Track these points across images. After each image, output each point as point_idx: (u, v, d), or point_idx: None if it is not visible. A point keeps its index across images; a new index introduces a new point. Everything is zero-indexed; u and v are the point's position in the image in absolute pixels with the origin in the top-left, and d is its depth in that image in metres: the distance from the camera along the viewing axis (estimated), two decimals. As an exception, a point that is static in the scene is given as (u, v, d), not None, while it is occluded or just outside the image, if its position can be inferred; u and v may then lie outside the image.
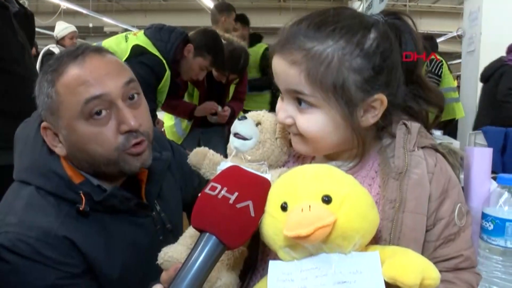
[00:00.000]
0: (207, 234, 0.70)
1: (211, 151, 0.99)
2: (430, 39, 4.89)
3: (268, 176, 0.85)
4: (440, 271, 0.70)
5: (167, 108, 3.14)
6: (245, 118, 0.93)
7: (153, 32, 2.38)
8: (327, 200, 0.68)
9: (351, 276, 0.67)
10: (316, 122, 0.81)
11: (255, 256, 0.89)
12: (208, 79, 3.15)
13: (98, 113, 0.95)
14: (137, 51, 2.25)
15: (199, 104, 3.16)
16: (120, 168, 1.00)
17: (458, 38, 5.70)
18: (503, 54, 4.24)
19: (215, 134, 3.36)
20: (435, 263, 0.73)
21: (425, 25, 10.07)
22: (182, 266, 0.70)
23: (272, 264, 0.73)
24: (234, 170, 0.78)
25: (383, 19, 0.86)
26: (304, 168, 0.77)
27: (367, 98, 0.80)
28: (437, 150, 0.87)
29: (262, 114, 0.95)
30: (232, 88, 3.32)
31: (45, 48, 4.71)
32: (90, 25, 11.36)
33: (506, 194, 0.89)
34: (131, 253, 1.03)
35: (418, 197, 0.81)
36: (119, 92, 0.97)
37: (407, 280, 0.65)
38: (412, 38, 0.88)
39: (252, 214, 0.71)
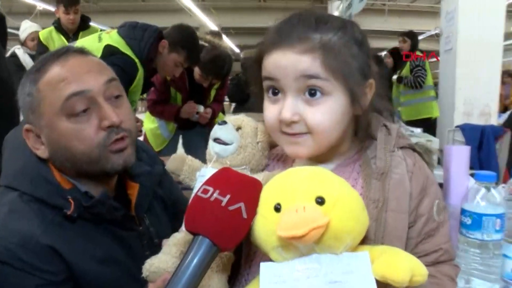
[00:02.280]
0: (201, 236, 0.71)
1: (190, 157, 0.98)
2: (412, 37, 5.06)
3: None
4: None
5: (155, 114, 3.17)
6: (225, 123, 0.93)
7: (127, 31, 2.35)
8: (320, 201, 0.70)
9: (343, 276, 0.69)
10: (329, 111, 0.82)
11: (238, 261, 0.90)
12: (190, 82, 3.17)
13: (80, 109, 0.94)
14: (109, 51, 2.22)
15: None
16: (102, 166, 0.98)
17: (436, 37, 5.79)
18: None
19: (196, 135, 3.38)
20: (417, 257, 0.76)
21: (403, 24, 10.17)
22: (176, 270, 0.70)
23: (263, 266, 0.73)
24: (225, 173, 0.78)
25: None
26: (296, 170, 0.78)
27: (364, 83, 0.85)
28: (414, 150, 0.91)
29: (242, 119, 0.95)
30: (213, 91, 3.34)
31: (10, 50, 4.39)
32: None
33: (483, 190, 0.93)
34: (113, 266, 1.00)
35: (399, 196, 0.84)
36: (101, 89, 0.97)
37: (397, 277, 0.67)
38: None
39: (245, 216, 0.72)
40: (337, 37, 0.82)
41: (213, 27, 12.46)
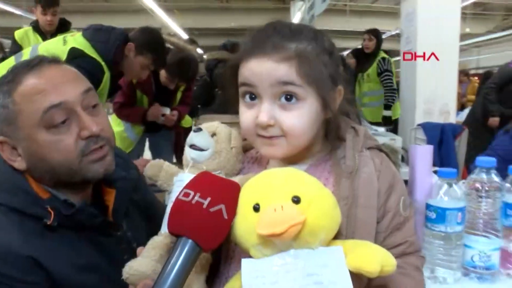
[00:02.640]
0: (184, 238, 0.73)
1: (166, 163, 1.00)
2: (377, 35, 4.88)
3: None
4: None
5: (122, 117, 3.16)
6: (201, 129, 0.95)
7: (92, 34, 2.29)
8: (296, 200, 0.74)
9: (319, 269, 0.73)
10: (302, 116, 0.86)
11: (217, 261, 0.93)
12: (156, 85, 3.17)
13: (59, 121, 0.94)
14: (74, 54, 2.16)
15: None
16: (83, 175, 0.98)
17: (397, 37, 5.96)
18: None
19: (162, 138, 3.39)
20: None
21: (365, 24, 10.35)
22: (161, 272, 0.72)
23: (244, 262, 0.76)
24: (205, 176, 0.81)
25: None
26: (273, 172, 0.82)
27: (334, 89, 0.90)
28: (381, 150, 0.97)
29: (216, 125, 0.97)
30: (179, 94, 3.35)
31: None
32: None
33: (445, 186, 1.00)
34: (94, 272, 1.00)
35: (368, 193, 0.89)
36: (78, 100, 0.97)
37: (369, 268, 0.72)
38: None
39: (225, 216, 0.75)
40: (310, 46, 0.87)
41: (176, 28, 12.37)
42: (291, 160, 0.94)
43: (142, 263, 0.86)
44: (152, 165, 0.99)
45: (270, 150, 0.90)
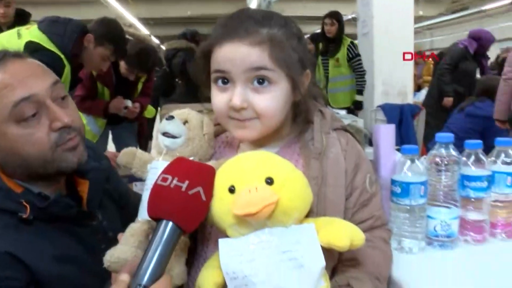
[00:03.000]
0: (164, 221, 0.76)
1: (139, 150, 1.01)
2: (339, 20, 4.72)
3: None
4: None
5: (83, 111, 3.10)
6: (173, 117, 0.96)
7: (48, 26, 2.23)
8: (270, 182, 0.78)
9: (293, 246, 0.77)
10: (275, 98, 0.90)
11: (194, 245, 0.96)
12: (116, 77, 3.14)
13: (29, 114, 0.93)
14: (31, 48, 2.10)
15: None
16: (57, 166, 0.98)
17: (353, 21, 6.06)
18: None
19: (125, 130, 3.36)
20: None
21: (322, 9, 10.42)
22: (144, 255, 0.74)
23: (221, 242, 0.80)
24: (181, 162, 0.84)
25: None
26: (246, 155, 0.86)
27: (303, 72, 0.93)
28: (346, 131, 1.02)
29: (188, 112, 0.99)
30: (140, 85, 3.32)
31: None
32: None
33: (408, 162, 1.05)
34: (72, 263, 1.00)
35: (336, 173, 0.94)
36: (47, 92, 0.96)
37: (340, 243, 0.77)
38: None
39: (204, 198, 0.78)
40: (281, 31, 0.90)
41: (131, 18, 12.13)
42: (261, 143, 0.98)
43: (123, 250, 0.88)
44: (125, 153, 1.00)
45: (243, 133, 0.94)
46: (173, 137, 0.96)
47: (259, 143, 0.98)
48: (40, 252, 0.95)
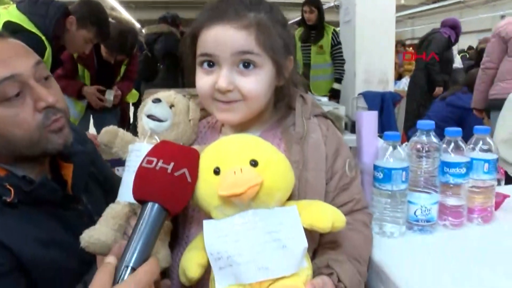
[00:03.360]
0: (150, 203, 0.76)
1: (121, 130, 1.00)
2: (318, 7, 4.56)
3: None
4: None
5: (61, 88, 3.07)
6: (160, 101, 0.96)
7: (28, 6, 2.15)
8: (254, 164, 0.79)
9: (277, 227, 0.78)
10: (260, 81, 0.91)
11: (175, 228, 0.97)
12: (98, 60, 3.10)
13: (12, 94, 0.92)
14: (10, 28, 2.03)
15: (91, 85, 3.12)
16: (43, 147, 0.97)
17: (336, 9, 6.07)
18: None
19: (107, 114, 3.33)
20: None
21: (304, -4, 10.45)
22: (131, 237, 0.74)
23: (206, 223, 0.81)
24: (165, 144, 0.84)
25: None
26: (230, 138, 0.87)
27: (287, 58, 0.95)
28: (326, 117, 1.04)
29: (174, 96, 0.99)
30: (123, 68, 3.29)
31: None
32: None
33: (390, 149, 1.08)
34: (58, 247, 0.99)
35: (317, 157, 0.96)
36: (30, 72, 0.95)
37: (322, 225, 0.79)
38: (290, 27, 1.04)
39: (189, 179, 0.79)
40: (267, 16, 0.91)
41: (112, 1, 11.92)
42: (243, 127, 1.00)
43: (102, 232, 0.88)
44: (107, 131, 0.99)
45: (227, 116, 0.95)
46: (159, 120, 0.95)
47: (241, 127, 1.00)
48: (24, 236, 0.94)
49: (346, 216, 0.87)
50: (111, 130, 0.99)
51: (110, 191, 1.19)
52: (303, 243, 0.78)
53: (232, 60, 0.90)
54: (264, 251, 0.76)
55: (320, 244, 0.94)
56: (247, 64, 0.90)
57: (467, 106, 3.49)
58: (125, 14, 13.50)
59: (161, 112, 0.96)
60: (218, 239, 0.78)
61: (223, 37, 0.89)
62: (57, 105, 0.98)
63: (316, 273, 0.83)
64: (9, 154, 0.97)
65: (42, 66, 0.99)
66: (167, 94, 0.99)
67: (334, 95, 4.41)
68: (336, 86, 4.44)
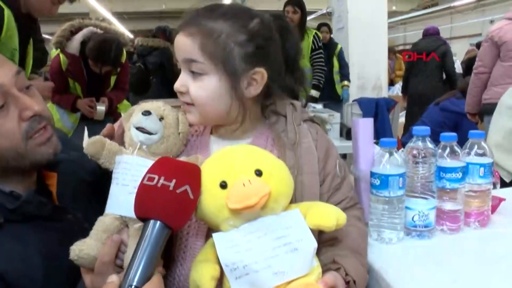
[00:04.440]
0: (152, 220, 0.76)
1: (108, 140, 0.98)
2: (301, 7, 4.36)
3: None
4: None
5: (54, 102, 3.09)
6: (150, 113, 0.96)
7: None
8: (259, 173, 0.81)
9: (285, 231, 0.80)
10: (205, 88, 0.93)
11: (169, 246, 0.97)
12: (87, 72, 3.10)
13: None
14: None
15: (83, 97, 3.13)
16: (31, 159, 0.96)
17: (328, 16, 6.11)
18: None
19: (101, 126, 3.32)
20: None
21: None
22: (134, 255, 0.74)
23: (216, 236, 0.81)
24: (165, 161, 0.84)
25: (270, 17, 1.02)
26: (230, 150, 0.88)
27: (249, 69, 0.94)
28: (314, 121, 1.07)
29: (163, 108, 0.99)
30: (113, 79, 3.28)
31: None
32: None
33: (387, 155, 1.08)
34: (52, 261, 0.97)
35: (310, 161, 0.99)
36: (12, 82, 0.94)
37: (328, 224, 0.82)
38: (293, 36, 1.08)
39: (191, 196, 0.79)
40: (225, 25, 0.92)
41: (105, 12, 11.93)
42: (232, 136, 1.03)
43: (93, 246, 0.88)
44: (93, 142, 0.96)
45: (188, 116, 1.00)
46: (149, 133, 0.95)
47: (229, 134, 1.03)
48: (12, 257, 0.91)
49: None
50: (97, 141, 0.96)
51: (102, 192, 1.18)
52: (313, 243, 0.80)
53: (184, 66, 0.95)
54: (277, 256, 0.77)
55: (321, 241, 0.96)
56: (193, 71, 0.93)
57: (461, 111, 3.52)
58: (118, 25, 13.53)
59: (152, 125, 0.95)
60: (231, 250, 0.79)
61: (176, 44, 0.94)
62: (43, 113, 0.97)
63: (323, 269, 0.85)
64: None
65: (22, 75, 0.98)
66: (156, 106, 0.99)
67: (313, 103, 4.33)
68: (313, 93, 4.22)
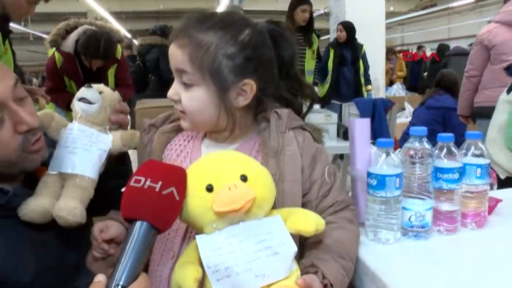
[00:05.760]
0: (139, 221, 0.78)
1: (57, 114, 1.11)
2: (311, 9, 4.51)
3: (110, 136, 1.07)
4: (324, 218, 0.91)
5: (53, 101, 3.09)
6: (91, 86, 1.08)
7: None
8: (244, 179, 0.84)
9: (267, 235, 0.83)
10: (195, 98, 0.95)
11: None
12: (83, 70, 3.10)
13: None
14: None
15: None
16: (21, 167, 0.99)
17: (325, 16, 6.12)
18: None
19: None
20: (319, 214, 0.94)
21: (294, 4, 10.49)
22: (121, 256, 0.75)
23: (199, 238, 0.84)
24: (152, 163, 0.87)
25: (264, 25, 1.03)
26: (217, 155, 0.92)
27: (238, 81, 0.95)
28: (304, 129, 1.07)
29: (103, 86, 1.12)
30: (110, 76, 3.28)
31: None
32: None
33: (384, 155, 1.08)
34: (43, 253, 1.00)
35: (293, 169, 1.00)
36: (9, 94, 0.95)
37: (307, 229, 0.86)
38: (288, 43, 1.07)
39: (177, 198, 0.81)
40: (215, 37, 0.93)
41: (103, 12, 11.93)
42: (221, 141, 1.06)
43: (38, 201, 0.98)
44: (44, 114, 1.07)
45: (182, 123, 1.03)
46: (90, 102, 1.07)
47: (220, 138, 1.05)
48: (5, 254, 0.93)
49: (330, 216, 0.99)
50: (48, 113, 1.08)
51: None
52: (293, 247, 0.83)
53: (176, 75, 0.97)
54: (258, 259, 0.80)
55: (306, 245, 0.98)
56: (184, 82, 0.95)
57: (447, 106, 3.60)
58: (116, 25, 13.51)
59: (92, 95, 1.07)
60: (213, 252, 0.81)
61: (169, 54, 0.96)
62: (37, 125, 0.99)
63: (303, 272, 0.87)
64: None
65: (19, 85, 0.99)
66: (97, 84, 1.12)
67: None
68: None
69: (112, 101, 1.10)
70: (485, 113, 2.37)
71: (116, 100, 1.12)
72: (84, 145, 1.05)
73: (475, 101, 3.28)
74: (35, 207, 0.96)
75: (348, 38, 4.58)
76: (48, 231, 1.02)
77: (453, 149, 1.15)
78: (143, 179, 0.80)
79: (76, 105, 1.08)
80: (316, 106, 3.70)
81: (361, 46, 4.68)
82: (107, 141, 1.07)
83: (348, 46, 4.60)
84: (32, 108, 1.02)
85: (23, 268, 0.95)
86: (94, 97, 1.07)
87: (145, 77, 4.39)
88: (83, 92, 1.08)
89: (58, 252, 1.01)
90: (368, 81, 4.74)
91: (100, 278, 0.74)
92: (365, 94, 4.72)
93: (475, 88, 3.30)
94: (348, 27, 4.58)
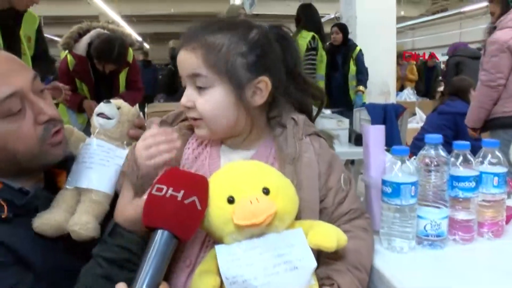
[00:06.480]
0: (160, 230, 0.78)
1: (76, 130, 1.16)
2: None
3: (127, 151, 1.06)
4: (339, 226, 0.91)
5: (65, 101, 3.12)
6: (110, 102, 1.10)
7: None
8: (266, 192, 0.83)
9: (287, 249, 0.82)
10: (211, 101, 0.94)
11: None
12: (94, 73, 3.12)
13: (16, 110, 0.95)
14: None
15: (91, 98, 3.15)
16: (43, 160, 1.01)
17: (336, 20, 6.11)
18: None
19: None
20: (334, 221, 0.95)
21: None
22: (141, 264, 0.76)
23: (219, 249, 0.83)
24: (175, 172, 0.87)
25: (268, 27, 1.03)
26: (238, 165, 0.91)
27: (253, 79, 0.95)
28: (319, 136, 1.06)
29: (121, 101, 1.13)
30: (122, 79, 3.30)
31: None
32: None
33: (399, 163, 1.07)
34: (62, 251, 1.02)
35: (310, 176, 0.99)
36: (29, 86, 0.98)
37: (328, 244, 0.84)
38: (291, 44, 1.07)
39: (199, 207, 0.81)
40: (225, 38, 0.94)
41: (114, 15, 12.01)
42: (238, 146, 1.04)
43: (54, 214, 0.98)
44: (64, 129, 1.08)
45: (197, 131, 1.01)
46: (108, 118, 1.09)
47: (236, 146, 1.04)
48: (24, 243, 0.96)
49: (346, 225, 0.97)
50: (67, 128, 1.11)
51: None
52: (313, 263, 0.82)
53: (189, 81, 0.95)
54: (277, 273, 0.79)
55: (321, 254, 0.95)
56: (199, 86, 0.94)
57: (458, 111, 3.52)
58: (127, 28, 13.61)
59: (110, 110, 1.09)
60: (232, 263, 0.81)
61: (179, 60, 0.95)
62: (56, 117, 1.02)
63: (319, 284, 0.87)
64: (10, 167, 0.99)
65: (37, 79, 1.02)
66: (115, 100, 1.13)
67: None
68: None
69: (130, 116, 1.12)
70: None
71: (135, 115, 1.13)
72: (101, 160, 1.06)
73: (503, 110, 3.00)
74: (49, 220, 0.97)
75: (343, 39, 4.69)
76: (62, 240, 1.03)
77: (469, 157, 1.13)
78: (165, 187, 0.80)
79: (95, 120, 1.10)
80: (327, 111, 3.69)
81: (355, 46, 4.70)
82: (124, 156, 1.07)
83: (342, 49, 4.65)
84: (51, 101, 1.05)
85: (43, 260, 0.97)
86: (112, 112, 1.09)
87: (174, 79, 4.41)
88: (101, 107, 1.09)
89: (72, 250, 1.02)
90: (361, 82, 4.68)
91: (120, 286, 0.75)
92: (352, 96, 4.67)
93: (498, 98, 3.04)
94: (345, 29, 4.72)
